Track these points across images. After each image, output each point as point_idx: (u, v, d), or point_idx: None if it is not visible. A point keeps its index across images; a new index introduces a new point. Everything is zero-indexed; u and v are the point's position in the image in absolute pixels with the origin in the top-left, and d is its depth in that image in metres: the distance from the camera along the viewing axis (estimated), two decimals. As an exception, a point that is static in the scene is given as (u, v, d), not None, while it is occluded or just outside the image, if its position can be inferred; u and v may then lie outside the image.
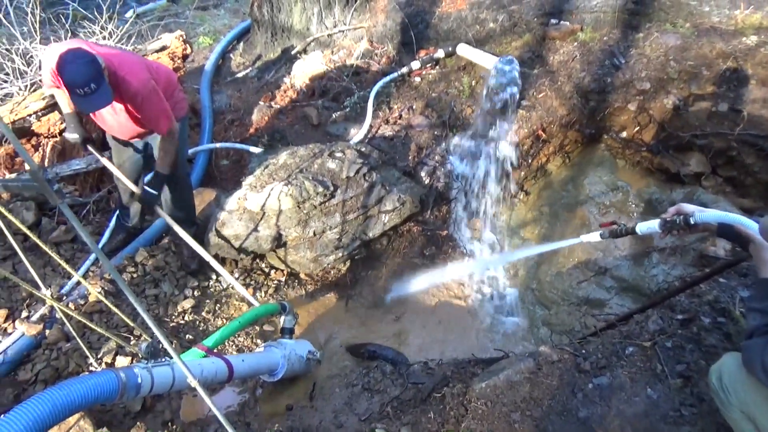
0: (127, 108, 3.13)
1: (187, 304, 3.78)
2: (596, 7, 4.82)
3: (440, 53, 5.07)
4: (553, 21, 4.91)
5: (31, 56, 5.13)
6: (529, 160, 4.67)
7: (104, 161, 3.31)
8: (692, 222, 1.83)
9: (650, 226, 2.05)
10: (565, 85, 4.55)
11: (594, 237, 2.45)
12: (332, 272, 4.20)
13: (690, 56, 4.26)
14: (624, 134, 4.53)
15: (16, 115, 4.21)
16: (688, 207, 1.89)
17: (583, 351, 2.59)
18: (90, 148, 3.29)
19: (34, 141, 4.40)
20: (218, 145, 4.81)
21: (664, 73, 4.30)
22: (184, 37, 4.87)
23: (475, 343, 3.97)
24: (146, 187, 3.19)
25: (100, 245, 3.92)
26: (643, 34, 4.58)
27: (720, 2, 4.53)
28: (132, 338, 3.43)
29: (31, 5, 5.26)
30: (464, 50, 4.91)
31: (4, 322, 3.32)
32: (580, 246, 4.20)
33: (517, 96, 4.50)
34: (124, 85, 2.93)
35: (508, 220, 4.70)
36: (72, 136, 3.15)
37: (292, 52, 5.81)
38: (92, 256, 3.88)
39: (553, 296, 4.17)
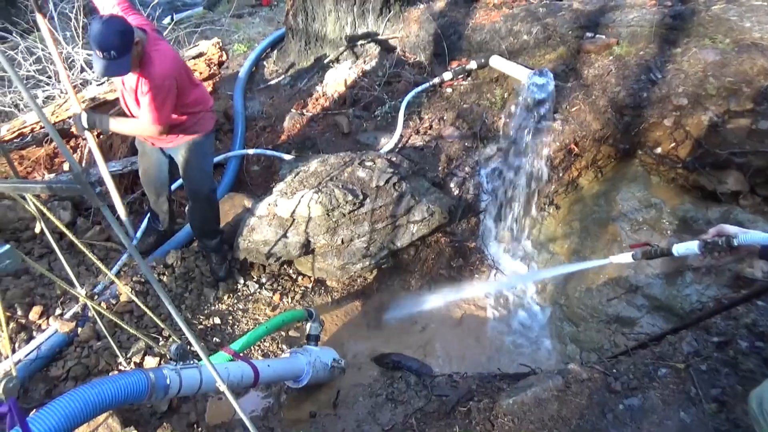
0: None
1: (215, 307, 3.82)
2: (633, 21, 4.75)
3: (473, 64, 5.05)
4: (588, 34, 4.86)
5: (73, 60, 5.28)
6: (561, 174, 4.61)
7: (93, 147, 2.99)
8: (735, 244, 1.75)
9: (689, 247, 1.95)
10: (600, 99, 4.49)
11: (625, 258, 2.35)
12: (359, 281, 4.21)
13: (729, 72, 4.16)
14: (659, 150, 4.44)
15: (57, 117, 4.33)
16: (730, 228, 1.82)
17: (614, 370, 2.54)
18: (88, 134, 3.06)
19: (72, 143, 4.52)
20: (250, 151, 4.87)
21: (702, 89, 4.21)
22: (221, 44, 4.94)
23: (500, 357, 3.92)
24: (84, 113, 3.05)
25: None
26: (681, 49, 4.50)
27: (762, 18, 4.42)
28: (161, 339, 3.48)
29: (74, 11, 5.42)
30: (497, 62, 4.89)
31: (39, 318, 3.40)
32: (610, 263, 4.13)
33: (550, 109, 4.46)
34: (148, 64, 2.99)
35: (538, 234, 4.65)
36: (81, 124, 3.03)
37: (325, 61, 5.86)
38: (124, 256, 3.95)
39: (581, 313, 4.10)
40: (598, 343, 3.84)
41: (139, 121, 3.20)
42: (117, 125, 3.20)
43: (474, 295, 4.25)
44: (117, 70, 2.88)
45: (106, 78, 4.24)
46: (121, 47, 2.76)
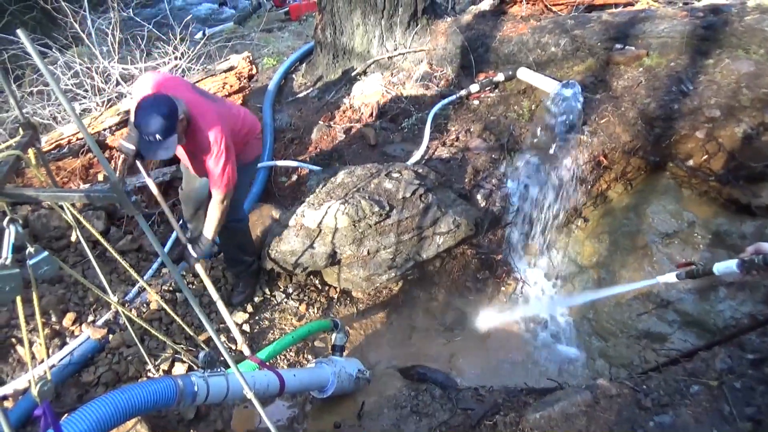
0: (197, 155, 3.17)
1: (241, 316, 3.86)
2: (663, 32, 4.69)
3: (500, 77, 5.05)
4: (617, 46, 4.82)
5: (109, 74, 5.44)
6: (589, 187, 4.55)
7: (149, 181, 3.20)
8: None
9: (728, 266, 1.96)
10: (629, 111, 4.43)
11: (670, 278, 2.38)
12: (384, 292, 4.21)
13: (764, 83, 4.07)
14: (690, 162, 4.36)
15: (92, 129, 4.46)
16: (767, 246, 1.80)
17: (644, 386, 2.48)
18: (139, 163, 3.14)
19: (107, 154, 4.63)
20: (279, 162, 4.94)
21: (735, 101, 4.13)
22: (251, 57, 5.03)
23: (527, 371, 3.87)
24: (188, 247, 3.17)
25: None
26: (713, 60, 4.43)
27: (798, 28, 4.34)
28: (188, 346, 3.52)
29: (111, 27, 5.60)
30: (525, 74, 4.88)
31: (72, 324, 3.49)
32: (641, 277, 4.06)
33: (579, 121, 4.42)
34: (200, 136, 2.99)
35: (566, 247, 4.59)
36: (128, 146, 2.98)
37: (353, 74, 5.92)
38: (155, 265, 4.03)
39: (610, 327, 4.03)
40: (628, 359, 3.77)
41: (213, 204, 3.21)
42: (211, 228, 3.26)
43: (516, 318, 4.20)
44: (162, 152, 2.84)
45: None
46: (166, 129, 2.74)
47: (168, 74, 3.18)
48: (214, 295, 2.84)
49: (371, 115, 5.33)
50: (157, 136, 2.73)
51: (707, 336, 3.61)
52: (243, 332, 3.78)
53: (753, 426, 2.15)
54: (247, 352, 3.03)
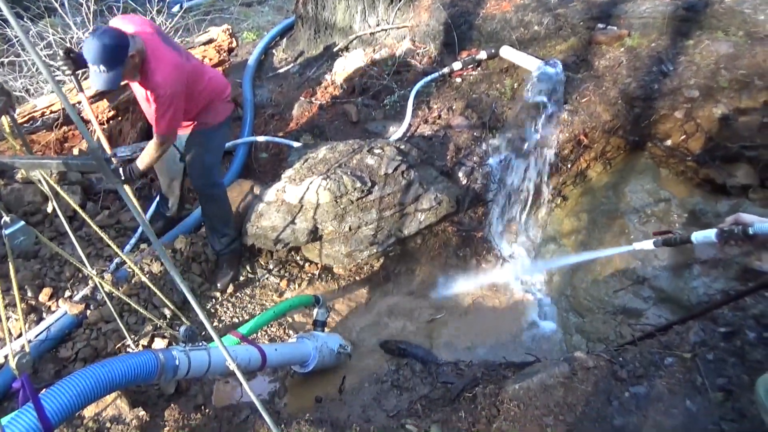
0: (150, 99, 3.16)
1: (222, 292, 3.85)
2: (645, 12, 4.71)
3: (483, 55, 5.03)
4: (600, 25, 4.83)
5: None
6: (569, 165, 4.60)
7: (82, 97, 3.25)
8: (751, 232, 1.77)
9: (706, 235, 2.00)
10: (610, 91, 4.46)
11: (647, 245, 2.43)
12: (366, 268, 4.22)
13: (742, 65, 4.13)
14: (669, 142, 4.42)
15: (69, 100, 4.35)
16: (746, 217, 1.83)
17: (620, 359, 2.54)
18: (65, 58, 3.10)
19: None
20: (259, 138, 4.88)
21: (713, 82, 4.18)
22: (231, 30, 4.94)
23: (506, 346, 3.93)
24: (120, 169, 3.15)
25: (140, 231, 4.01)
26: (693, 41, 4.46)
27: (776, 10, 4.39)
28: (168, 321, 3.50)
29: (85, -3, 5.44)
30: (507, 52, 4.87)
31: (49, 300, 3.43)
32: (618, 253, 4.13)
33: (560, 100, 4.44)
34: (150, 75, 2.99)
35: (545, 225, 4.64)
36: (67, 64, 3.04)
37: (334, 50, 5.85)
38: (133, 240, 3.98)
39: (588, 303, 4.09)
40: (604, 334, 3.85)
41: (152, 142, 3.21)
42: (143, 161, 3.24)
43: (498, 280, 4.25)
44: (107, 83, 2.86)
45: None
46: (110, 62, 2.76)
47: (138, 16, 3.16)
48: (177, 276, 2.81)
49: (353, 91, 5.28)
50: (101, 67, 2.76)
51: (681, 312, 3.69)
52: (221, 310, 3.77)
53: (724, 396, 2.21)
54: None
